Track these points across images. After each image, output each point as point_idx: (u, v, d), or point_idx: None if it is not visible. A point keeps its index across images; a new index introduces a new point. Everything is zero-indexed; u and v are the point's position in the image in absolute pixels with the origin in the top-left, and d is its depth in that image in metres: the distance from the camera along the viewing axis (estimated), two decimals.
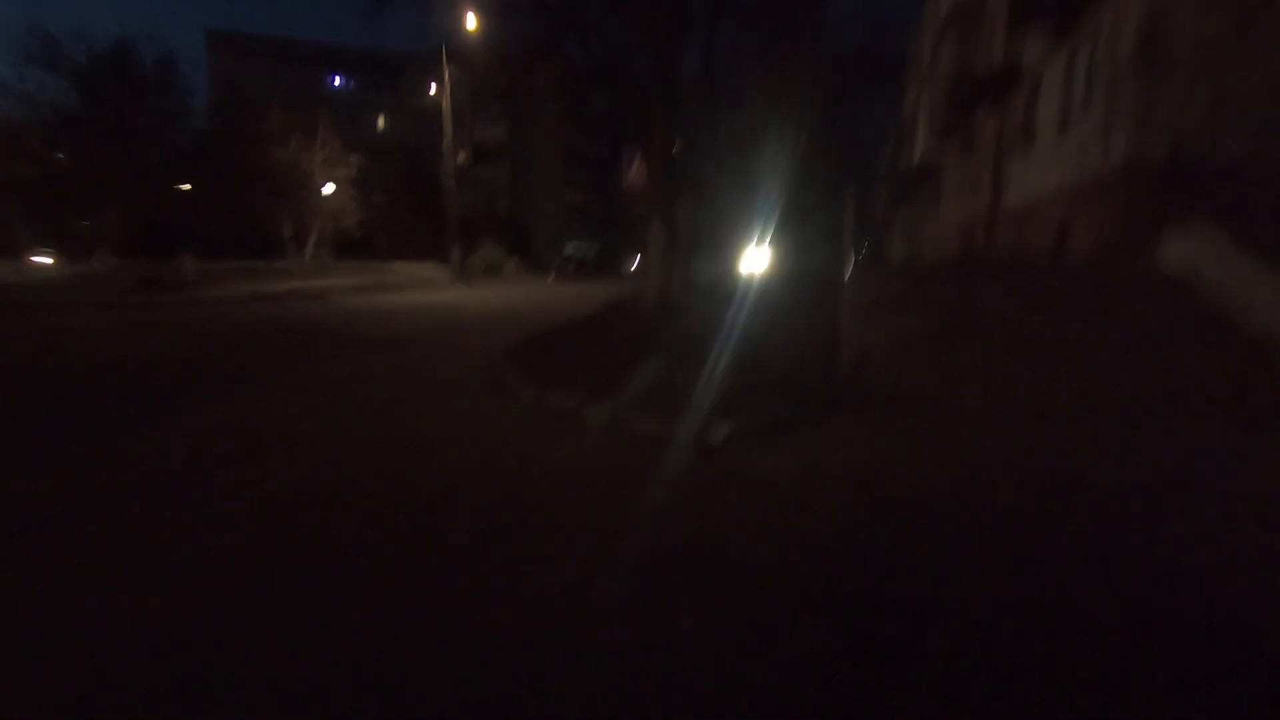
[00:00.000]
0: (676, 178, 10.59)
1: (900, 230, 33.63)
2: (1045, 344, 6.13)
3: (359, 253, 34.37)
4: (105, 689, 2.07)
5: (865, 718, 1.94)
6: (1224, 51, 8.49)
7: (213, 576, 2.77)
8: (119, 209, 25.39)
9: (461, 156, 29.91)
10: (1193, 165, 8.42)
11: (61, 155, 24.30)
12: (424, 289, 22.72)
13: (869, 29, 17.24)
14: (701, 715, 1.96)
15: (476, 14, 14.73)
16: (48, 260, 27.22)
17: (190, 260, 22.55)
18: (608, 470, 4.12)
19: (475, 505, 3.58)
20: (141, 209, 25.56)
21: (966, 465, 4.17)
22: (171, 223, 26.79)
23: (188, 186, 27.10)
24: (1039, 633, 2.31)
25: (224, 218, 28.38)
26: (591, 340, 7.71)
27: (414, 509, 3.53)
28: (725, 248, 17.75)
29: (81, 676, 2.13)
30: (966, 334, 6.35)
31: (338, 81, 51.77)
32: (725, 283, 11.50)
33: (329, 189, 29.11)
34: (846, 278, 7.53)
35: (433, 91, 26.47)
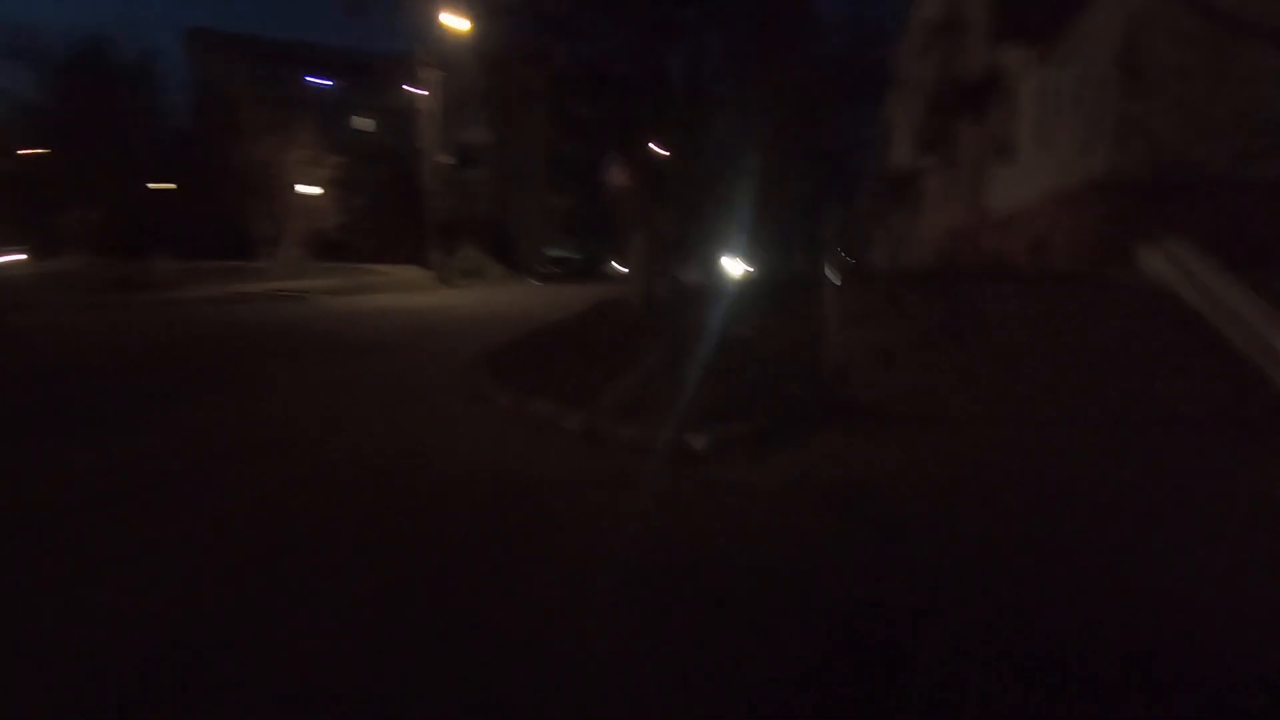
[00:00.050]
0: (660, 182, 10.55)
1: (883, 237, 33.90)
2: (1029, 353, 6.14)
3: (339, 254, 33.93)
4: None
5: None
6: (1200, 74, 8.65)
7: (182, 586, 2.66)
8: (94, 206, 24.90)
9: (444, 158, 29.60)
10: (1171, 179, 8.54)
11: (35, 151, 23.80)
12: (405, 291, 22.45)
13: (853, 38, 17.36)
14: None
15: (463, 15, 14.62)
16: (20, 257, 26.61)
17: (166, 260, 22.13)
18: (589, 480, 4.04)
19: (452, 519, 3.48)
20: (117, 207, 25.09)
21: (951, 476, 4.14)
22: (148, 221, 26.31)
23: (165, 185, 26.64)
24: (1027, 639, 2.27)
25: (202, 217, 27.95)
26: (574, 345, 7.62)
27: (385, 530, 3.41)
28: (708, 252, 17.76)
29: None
30: (950, 343, 6.35)
31: (320, 82, 51.19)
32: (708, 287, 11.47)
33: (308, 189, 28.73)
34: (829, 284, 7.51)
35: (416, 93, 26.17)
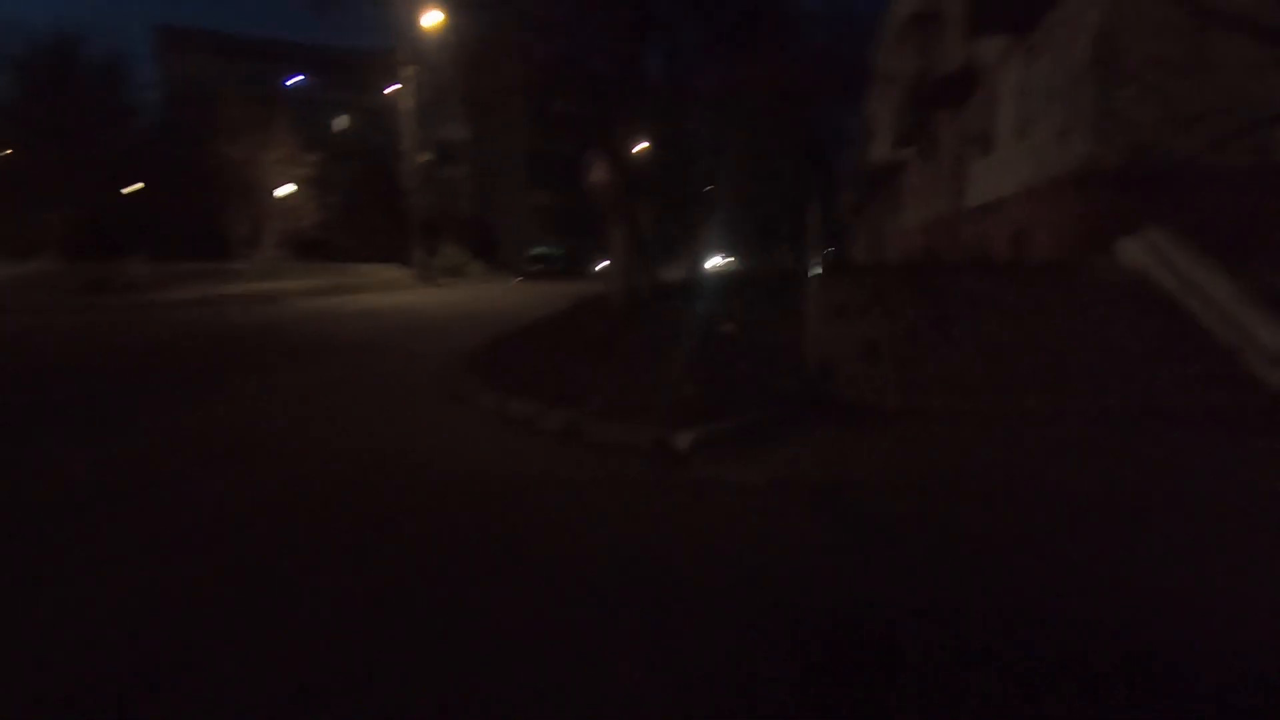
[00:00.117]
0: (641, 179, 10.47)
1: (864, 231, 34.03)
2: (1012, 346, 6.15)
3: (319, 254, 33.49)
4: None
5: None
6: (1177, 64, 8.70)
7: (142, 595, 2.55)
8: (65, 207, 24.35)
9: (424, 156, 29.29)
10: (1150, 169, 8.60)
11: (4, 151, 23.24)
12: (386, 291, 22.17)
13: (832, 32, 17.36)
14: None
15: (440, 10, 14.43)
16: None
17: (140, 261, 21.68)
18: (573, 480, 3.96)
19: (435, 522, 3.39)
20: (89, 208, 24.55)
21: (938, 472, 4.11)
22: (121, 222, 25.78)
23: (138, 185, 26.11)
24: (1022, 636, 2.23)
25: (176, 217, 27.43)
26: (556, 344, 7.53)
27: (360, 537, 3.31)
28: (691, 249, 17.70)
29: None
30: (933, 336, 6.33)
31: (295, 79, 50.49)
32: (691, 284, 11.41)
33: (285, 189, 28.31)
34: (812, 279, 7.48)
35: (394, 90, 25.84)
